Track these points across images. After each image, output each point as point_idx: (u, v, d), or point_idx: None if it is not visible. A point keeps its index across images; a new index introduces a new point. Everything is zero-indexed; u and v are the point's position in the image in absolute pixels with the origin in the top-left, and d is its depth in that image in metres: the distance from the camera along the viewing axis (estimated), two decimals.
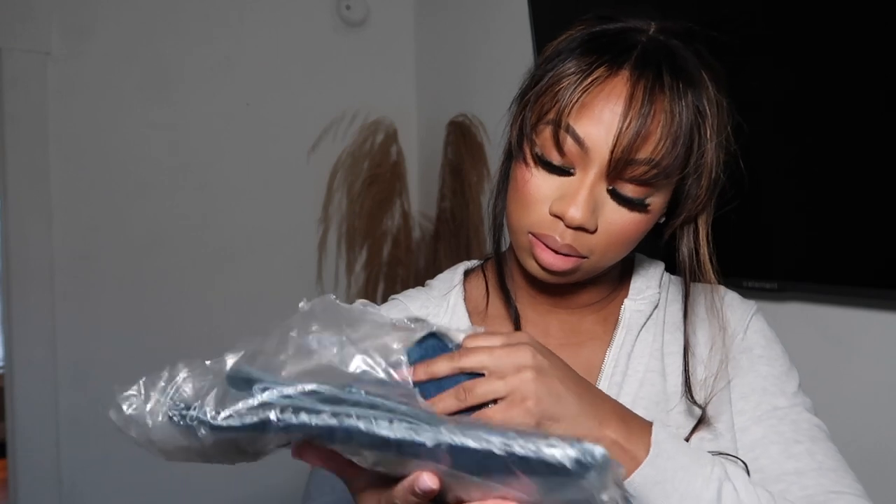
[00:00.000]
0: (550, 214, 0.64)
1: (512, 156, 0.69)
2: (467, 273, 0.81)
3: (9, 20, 1.85)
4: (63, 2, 1.92)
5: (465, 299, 0.77)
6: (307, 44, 2.23)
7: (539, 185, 0.64)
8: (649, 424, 0.58)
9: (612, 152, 0.61)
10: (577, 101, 0.62)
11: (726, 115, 0.68)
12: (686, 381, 0.69)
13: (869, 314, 1.16)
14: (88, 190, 1.96)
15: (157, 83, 2.03)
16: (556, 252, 0.64)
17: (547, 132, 0.63)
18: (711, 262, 0.69)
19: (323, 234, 2.22)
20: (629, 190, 0.63)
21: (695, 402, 0.68)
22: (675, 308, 0.75)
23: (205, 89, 2.09)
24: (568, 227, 0.63)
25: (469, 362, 0.53)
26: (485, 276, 0.79)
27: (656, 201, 0.65)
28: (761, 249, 1.25)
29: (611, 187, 0.63)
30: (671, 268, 0.75)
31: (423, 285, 0.82)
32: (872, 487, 1.14)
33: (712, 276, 0.69)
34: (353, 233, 2.22)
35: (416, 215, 2.31)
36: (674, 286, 0.78)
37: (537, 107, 0.65)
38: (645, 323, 0.74)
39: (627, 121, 0.60)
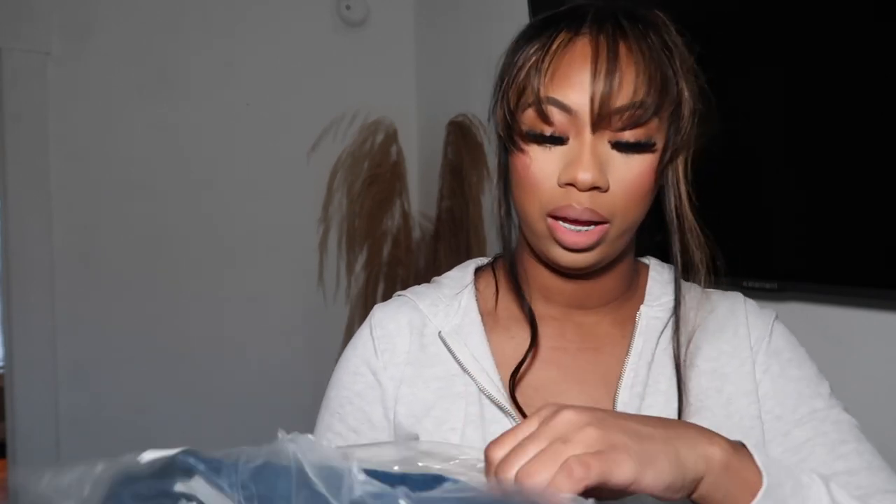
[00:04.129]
0: (561, 186, 0.64)
1: (507, 151, 0.69)
2: (478, 271, 0.79)
3: (9, 20, 1.85)
4: (63, 2, 1.92)
5: (476, 300, 0.75)
6: (307, 44, 2.23)
7: (541, 164, 0.65)
8: (736, 442, 0.53)
9: (596, 108, 0.62)
10: (547, 71, 0.63)
11: (688, 49, 0.69)
12: (679, 398, 0.68)
13: (869, 314, 1.16)
14: (88, 190, 1.96)
15: (157, 83, 2.03)
16: (578, 222, 0.64)
17: (530, 112, 0.64)
18: (691, 199, 0.70)
19: (323, 234, 2.22)
20: (629, 136, 0.64)
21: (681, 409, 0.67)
22: (692, 316, 0.73)
23: (205, 89, 2.09)
24: (582, 191, 0.63)
25: (516, 462, 0.46)
26: (495, 275, 0.77)
27: (658, 138, 0.65)
28: (761, 249, 1.25)
29: (612, 141, 0.64)
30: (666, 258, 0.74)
31: (430, 282, 0.80)
32: None
33: (692, 219, 0.69)
34: (353, 233, 2.22)
35: (416, 215, 2.31)
36: (692, 292, 0.75)
37: (514, 95, 0.66)
38: (663, 330, 0.72)
39: (601, 73, 0.62)
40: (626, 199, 0.64)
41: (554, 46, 0.64)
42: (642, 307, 0.73)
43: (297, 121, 2.18)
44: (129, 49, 2.00)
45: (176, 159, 2.06)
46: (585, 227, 0.64)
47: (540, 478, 0.45)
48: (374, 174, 2.21)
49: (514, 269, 0.74)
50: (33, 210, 1.89)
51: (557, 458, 0.46)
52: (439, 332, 0.73)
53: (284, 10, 2.20)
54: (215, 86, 2.10)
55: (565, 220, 0.64)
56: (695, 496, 0.51)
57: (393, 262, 2.25)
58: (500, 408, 0.68)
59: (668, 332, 0.72)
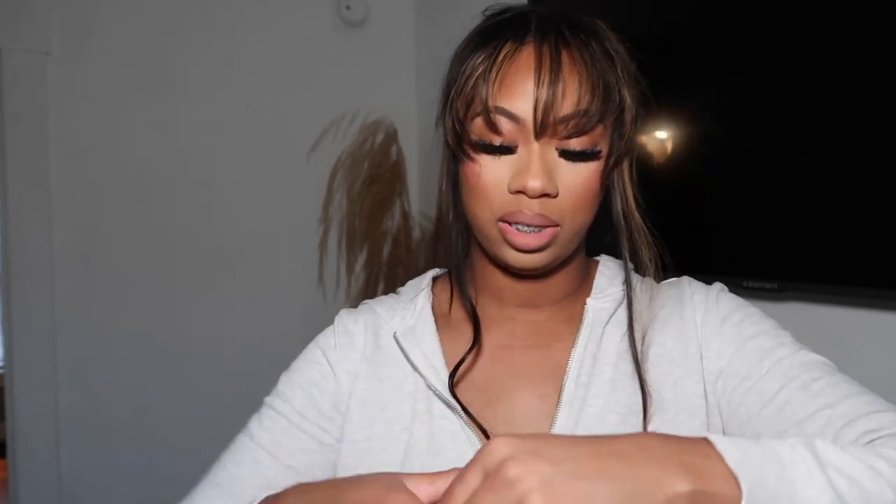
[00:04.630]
0: (511, 193, 0.66)
1: (456, 160, 0.71)
2: (436, 279, 0.82)
3: (9, 20, 1.85)
4: (63, 2, 1.92)
5: (432, 303, 0.79)
6: (307, 44, 2.23)
7: (491, 172, 0.67)
8: (702, 441, 0.49)
9: (539, 116, 0.64)
10: (495, 81, 0.65)
11: (629, 55, 0.71)
12: (642, 393, 0.69)
13: (869, 314, 1.16)
14: (88, 190, 1.96)
15: (157, 83, 2.03)
16: (529, 226, 0.66)
17: (479, 122, 0.66)
18: (637, 200, 0.72)
19: (323, 234, 2.22)
20: (575, 144, 0.66)
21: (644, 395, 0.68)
22: (644, 308, 0.75)
23: (205, 89, 2.09)
24: (532, 198, 0.65)
25: None
26: (451, 281, 0.80)
27: (603, 145, 0.67)
28: (761, 249, 1.25)
29: (559, 149, 0.66)
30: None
31: (395, 293, 0.83)
32: None
33: (639, 219, 0.72)
34: (353, 233, 2.22)
35: (416, 215, 2.31)
36: (643, 285, 0.77)
37: (462, 105, 0.68)
38: (608, 321, 0.74)
39: (544, 82, 0.64)
40: (575, 203, 0.67)
41: (500, 56, 0.66)
42: (589, 300, 0.75)
43: (297, 121, 2.18)
44: (129, 49, 2.00)
45: (176, 159, 2.06)
46: (536, 229, 0.66)
47: None
48: (374, 174, 2.21)
49: (460, 273, 0.77)
50: (33, 210, 1.89)
51: None
52: (394, 333, 0.76)
53: (284, 10, 2.20)
54: (215, 86, 2.10)
55: (516, 223, 0.66)
56: None
57: (393, 262, 2.25)
58: (448, 404, 0.70)
59: (615, 321, 0.74)
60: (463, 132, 0.68)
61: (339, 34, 2.28)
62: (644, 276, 0.74)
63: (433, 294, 0.80)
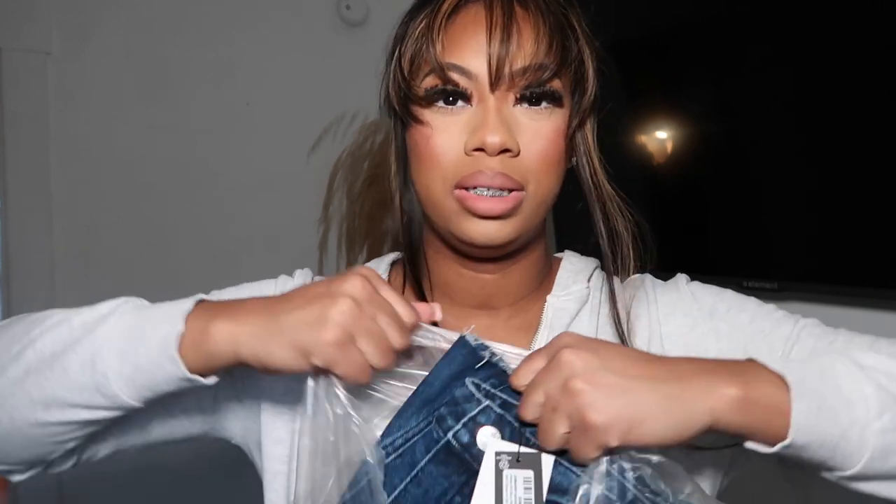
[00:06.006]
0: (468, 154, 0.62)
1: (404, 128, 0.67)
2: (394, 263, 0.78)
3: (9, 20, 1.85)
4: (63, 2, 1.91)
5: None
6: (307, 44, 2.23)
7: (443, 133, 0.63)
8: (746, 361, 0.53)
9: (494, 70, 0.60)
10: (440, 36, 0.62)
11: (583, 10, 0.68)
12: None
13: (869, 314, 1.16)
14: (88, 190, 1.96)
15: (157, 83, 2.03)
16: (490, 187, 0.61)
17: (430, 79, 0.63)
18: (605, 168, 0.68)
19: (323, 234, 2.22)
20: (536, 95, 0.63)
21: None
22: (611, 307, 0.71)
23: (205, 89, 2.09)
24: (491, 155, 0.61)
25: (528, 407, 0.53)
26: (405, 270, 0.75)
27: (564, 96, 0.64)
28: (761, 249, 1.25)
29: (517, 96, 0.62)
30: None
31: None
32: None
33: (609, 188, 0.68)
34: (353, 233, 2.22)
35: None
36: (608, 284, 0.73)
37: (407, 64, 0.65)
38: (570, 323, 0.69)
39: (496, 36, 0.60)
40: (539, 162, 0.62)
41: (443, 9, 0.63)
42: (549, 297, 0.70)
43: (297, 121, 2.18)
44: (129, 49, 2.00)
45: (176, 159, 2.06)
46: (499, 192, 0.61)
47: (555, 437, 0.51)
48: (374, 174, 2.21)
49: (413, 265, 0.72)
50: (33, 210, 1.89)
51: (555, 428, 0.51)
52: None
53: (284, 10, 2.20)
54: (215, 86, 2.10)
55: (476, 187, 0.61)
56: (713, 431, 0.50)
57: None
58: None
59: (578, 324, 0.69)
60: (410, 92, 0.64)
61: (339, 34, 2.28)
62: (621, 249, 0.69)
63: (390, 279, 0.75)
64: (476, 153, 0.61)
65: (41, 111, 1.89)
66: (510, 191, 0.62)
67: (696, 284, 0.73)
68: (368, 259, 2.20)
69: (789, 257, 1.22)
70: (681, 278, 0.73)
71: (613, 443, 0.49)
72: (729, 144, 1.27)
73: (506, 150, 0.61)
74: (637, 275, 0.73)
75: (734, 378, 0.50)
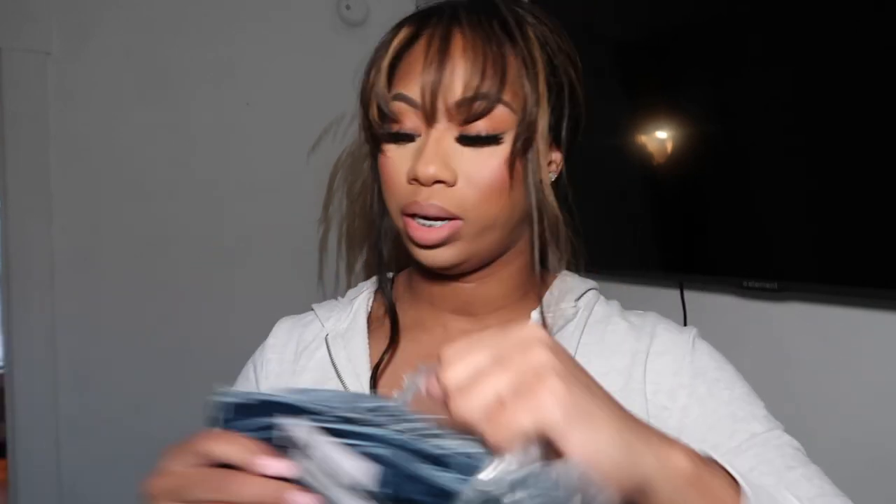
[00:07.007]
0: (409, 183, 0.64)
1: (375, 159, 0.69)
2: (376, 291, 0.80)
3: (9, 20, 1.85)
4: (63, 2, 1.91)
5: (369, 305, 0.77)
6: (307, 44, 2.23)
7: (395, 161, 0.65)
8: (703, 454, 0.47)
9: (428, 99, 0.61)
10: (388, 67, 0.64)
11: (562, 43, 0.67)
12: None
13: (869, 314, 1.16)
14: (88, 190, 1.96)
15: (157, 83, 2.03)
16: (427, 218, 0.63)
17: (379, 111, 0.65)
18: (556, 191, 0.68)
19: (323, 234, 2.22)
20: (473, 129, 0.63)
21: None
22: (599, 330, 0.69)
23: (205, 89, 2.09)
24: (425, 185, 0.62)
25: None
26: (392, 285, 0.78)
27: (506, 129, 0.63)
28: (761, 249, 1.25)
29: (457, 136, 0.63)
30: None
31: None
32: (872, 487, 1.14)
33: (554, 212, 0.66)
34: (353, 233, 2.22)
35: None
36: (603, 308, 0.72)
37: (370, 99, 0.66)
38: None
39: (431, 65, 0.62)
40: (478, 193, 0.63)
41: (395, 43, 0.65)
42: (533, 313, 0.71)
43: (297, 121, 2.18)
44: (129, 49, 2.00)
45: (176, 159, 2.06)
46: (435, 223, 0.63)
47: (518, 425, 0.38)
48: None
49: (382, 276, 0.75)
50: (33, 210, 1.89)
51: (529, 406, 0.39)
52: (326, 336, 0.75)
53: (284, 10, 2.20)
54: (215, 86, 2.10)
55: (415, 216, 0.63)
56: (644, 496, 0.42)
57: None
58: None
59: (558, 339, 0.67)
60: (370, 125, 0.66)
61: (339, 34, 2.28)
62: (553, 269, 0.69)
63: (375, 297, 0.78)
64: (414, 183, 0.63)
65: (41, 111, 1.89)
66: (447, 219, 0.63)
67: (705, 344, 0.71)
68: (368, 259, 2.21)
69: (789, 257, 1.22)
70: (692, 330, 0.72)
71: (552, 417, 0.39)
72: (729, 145, 1.27)
73: (440, 182, 0.62)
74: (652, 312, 0.73)
75: (694, 457, 0.45)
